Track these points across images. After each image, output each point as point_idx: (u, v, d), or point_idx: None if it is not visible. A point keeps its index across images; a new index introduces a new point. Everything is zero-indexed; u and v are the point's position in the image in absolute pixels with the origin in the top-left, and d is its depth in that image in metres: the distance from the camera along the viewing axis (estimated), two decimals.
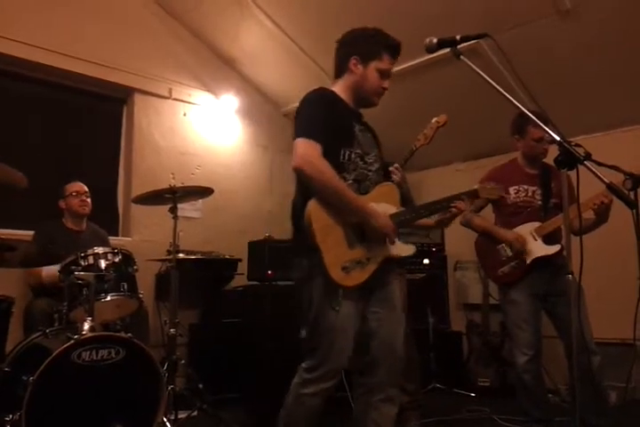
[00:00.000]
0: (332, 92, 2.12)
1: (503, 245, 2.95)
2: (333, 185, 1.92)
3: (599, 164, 1.69)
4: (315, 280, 1.97)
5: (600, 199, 2.71)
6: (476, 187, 2.34)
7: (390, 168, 2.32)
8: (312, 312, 1.98)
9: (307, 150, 1.91)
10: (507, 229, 2.96)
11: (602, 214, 2.79)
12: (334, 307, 1.92)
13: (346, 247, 1.95)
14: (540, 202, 2.97)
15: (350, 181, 2.03)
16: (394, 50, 2.14)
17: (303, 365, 2.04)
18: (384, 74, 2.12)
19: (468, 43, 1.93)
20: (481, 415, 3.55)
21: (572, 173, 1.72)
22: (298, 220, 1.99)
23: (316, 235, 1.89)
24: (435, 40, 1.93)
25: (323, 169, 1.90)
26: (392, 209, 2.08)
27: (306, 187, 1.98)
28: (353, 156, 2.06)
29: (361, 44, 2.13)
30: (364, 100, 2.17)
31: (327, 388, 1.99)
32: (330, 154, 1.97)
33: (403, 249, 2.11)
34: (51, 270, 3.05)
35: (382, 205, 2.06)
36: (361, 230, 1.98)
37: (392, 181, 2.22)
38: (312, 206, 1.92)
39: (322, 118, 1.99)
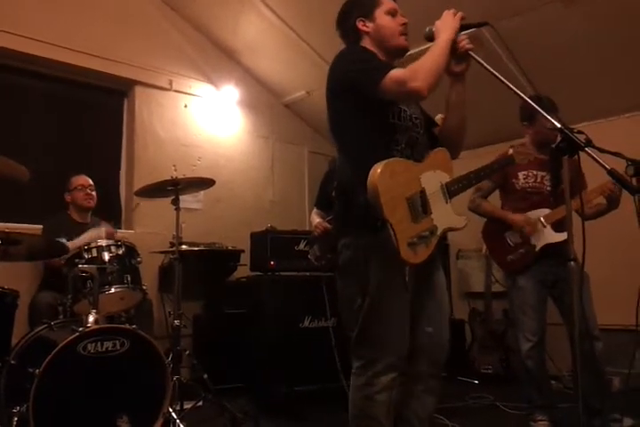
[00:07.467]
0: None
1: (511, 231, 2.92)
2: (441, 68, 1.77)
3: (601, 150, 1.68)
4: (372, 262, 1.76)
5: (613, 184, 2.68)
6: (510, 152, 2.17)
7: (437, 118, 2.14)
8: (368, 299, 1.77)
9: (399, 75, 1.72)
10: (516, 213, 2.90)
11: (613, 200, 2.78)
12: (407, 288, 1.73)
13: (410, 221, 1.72)
14: (549, 188, 2.92)
15: (403, 146, 1.85)
16: None
17: (357, 364, 1.82)
18: (393, 13, 1.96)
19: (469, 31, 1.89)
20: (484, 402, 3.57)
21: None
22: (347, 196, 1.81)
23: (384, 209, 1.65)
24: (434, 29, 1.86)
25: (425, 70, 1.73)
26: (447, 177, 1.92)
27: (357, 160, 1.81)
28: (402, 114, 1.87)
29: (354, 7, 2.01)
30: (394, 49, 1.97)
31: (394, 377, 1.77)
32: (377, 112, 1.83)
33: (457, 220, 1.92)
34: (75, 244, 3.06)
35: (439, 173, 1.89)
36: (423, 201, 1.78)
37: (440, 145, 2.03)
38: (377, 177, 1.66)
39: (375, 58, 1.86)
